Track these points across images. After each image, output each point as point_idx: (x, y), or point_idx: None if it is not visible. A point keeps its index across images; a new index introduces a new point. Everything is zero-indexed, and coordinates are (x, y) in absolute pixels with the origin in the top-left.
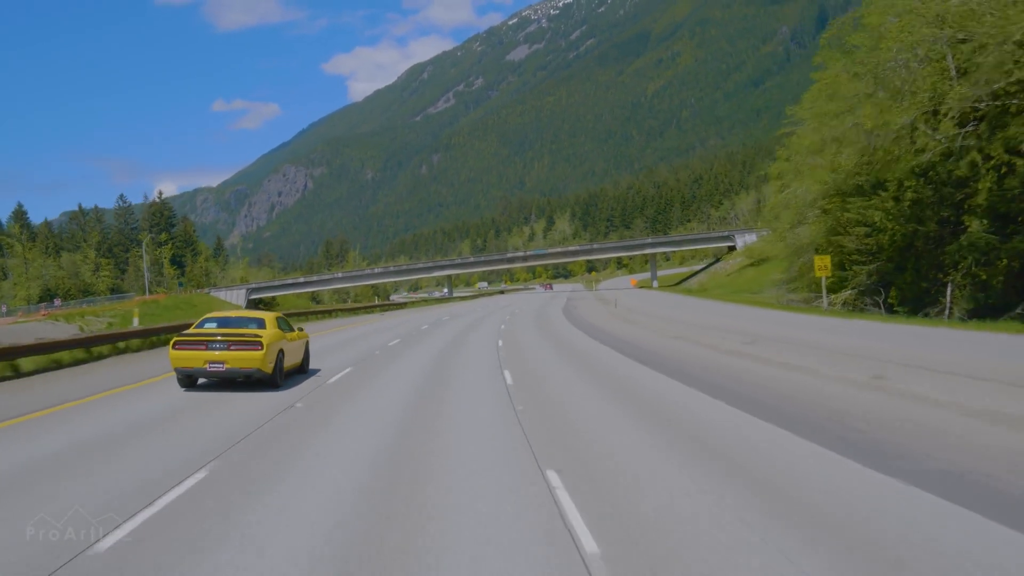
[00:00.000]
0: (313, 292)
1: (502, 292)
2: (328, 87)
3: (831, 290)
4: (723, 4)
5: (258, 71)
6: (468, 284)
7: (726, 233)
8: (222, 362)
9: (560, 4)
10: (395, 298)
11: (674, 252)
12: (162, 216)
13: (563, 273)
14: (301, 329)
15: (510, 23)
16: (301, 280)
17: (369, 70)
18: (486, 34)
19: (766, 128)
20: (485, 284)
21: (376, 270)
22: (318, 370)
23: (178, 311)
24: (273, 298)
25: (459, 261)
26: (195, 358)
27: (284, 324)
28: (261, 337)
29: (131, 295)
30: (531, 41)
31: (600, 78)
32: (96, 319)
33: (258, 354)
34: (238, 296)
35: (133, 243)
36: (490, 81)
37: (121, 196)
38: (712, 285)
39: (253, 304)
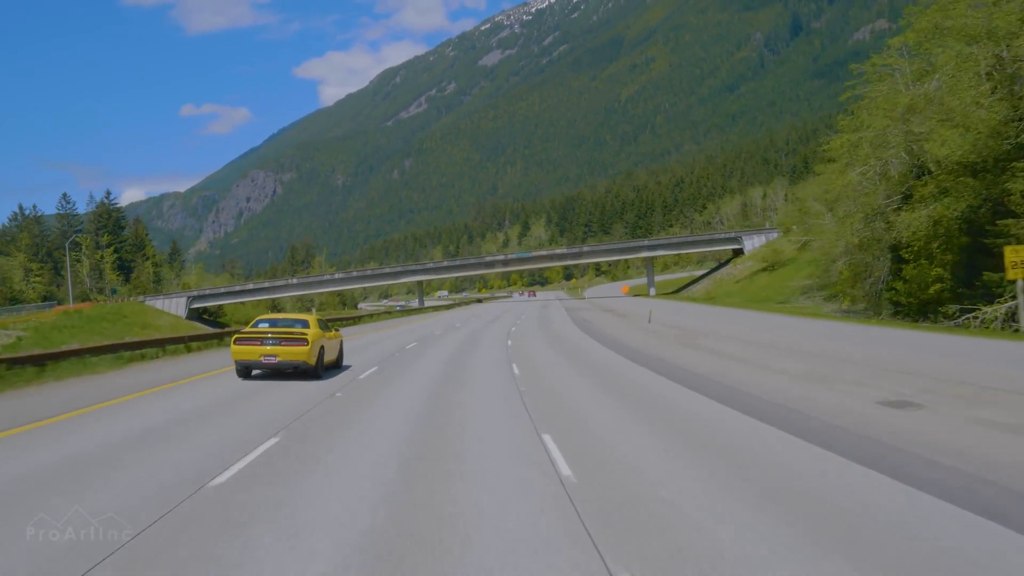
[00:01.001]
0: (271, 300)
1: (480, 301)
2: (299, 92)
3: (946, 299)
4: (697, 10)
5: (229, 75)
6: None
7: (732, 235)
8: (274, 355)
9: (533, 10)
10: (364, 307)
11: (671, 256)
12: (110, 219)
13: (539, 280)
14: (338, 330)
15: (483, 28)
16: (250, 287)
17: (341, 75)
18: (459, 39)
19: (742, 132)
20: (445, 293)
21: (337, 275)
22: (349, 366)
23: (103, 323)
24: (220, 307)
25: (431, 266)
26: (252, 352)
27: (323, 325)
28: (306, 335)
29: (65, 303)
30: (504, 46)
31: (573, 83)
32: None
33: (304, 349)
34: (177, 305)
35: (76, 247)
36: (463, 86)
37: (64, 196)
38: (720, 293)
39: (195, 315)
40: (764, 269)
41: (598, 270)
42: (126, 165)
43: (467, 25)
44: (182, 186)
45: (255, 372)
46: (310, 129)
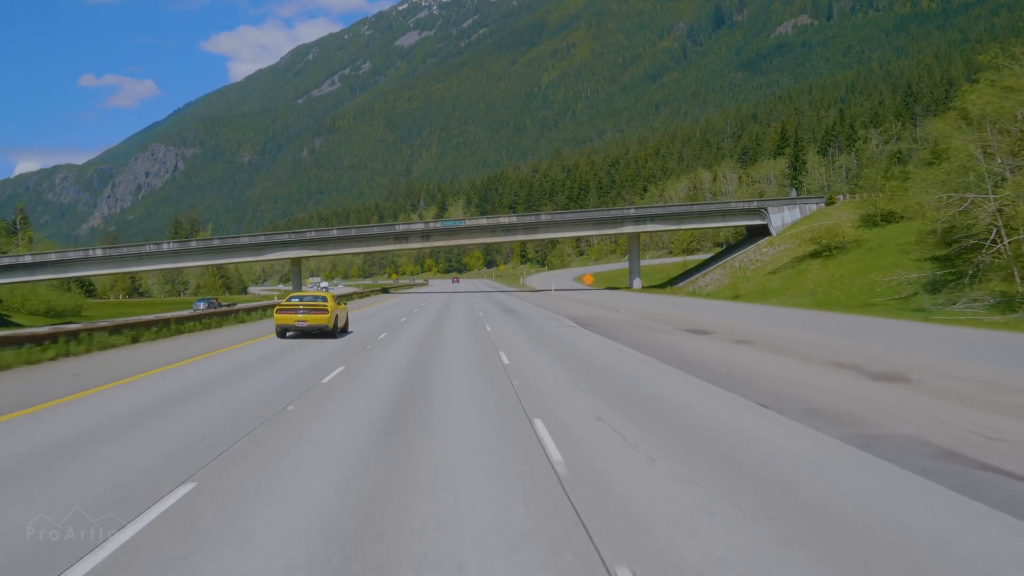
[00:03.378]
0: (74, 280)
1: (385, 291)
2: (208, 66)
3: None
4: None
5: (133, 47)
6: (347, 277)
7: (753, 205)
8: (304, 321)
9: None
10: (257, 291)
11: (652, 234)
12: None
13: (457, 267)
14: (345, 304)
15: (400, 8)
16: (28, 260)
17: (252, 51)
18: (375, 18)
19: (666, 121)
20: (319, 280)
21: (168, 245)
22: (352, 331)
23: None
24: None
25: (312, 236)
26: (289, 319)
27: (336, 300)
28: (326, 306)
29: None
30: (421, 27)
31: (493, 67)
32: None
33: (325, 316)
34: None
35: None
36: (378, 66)
37: None
38: (752, 289)
39: None
40: (813, 254)
41: (524, 256)
42: (21, 135)
43: (384, 6)
44: (80, 159)
45: (288, 334)
46: (218, 104)
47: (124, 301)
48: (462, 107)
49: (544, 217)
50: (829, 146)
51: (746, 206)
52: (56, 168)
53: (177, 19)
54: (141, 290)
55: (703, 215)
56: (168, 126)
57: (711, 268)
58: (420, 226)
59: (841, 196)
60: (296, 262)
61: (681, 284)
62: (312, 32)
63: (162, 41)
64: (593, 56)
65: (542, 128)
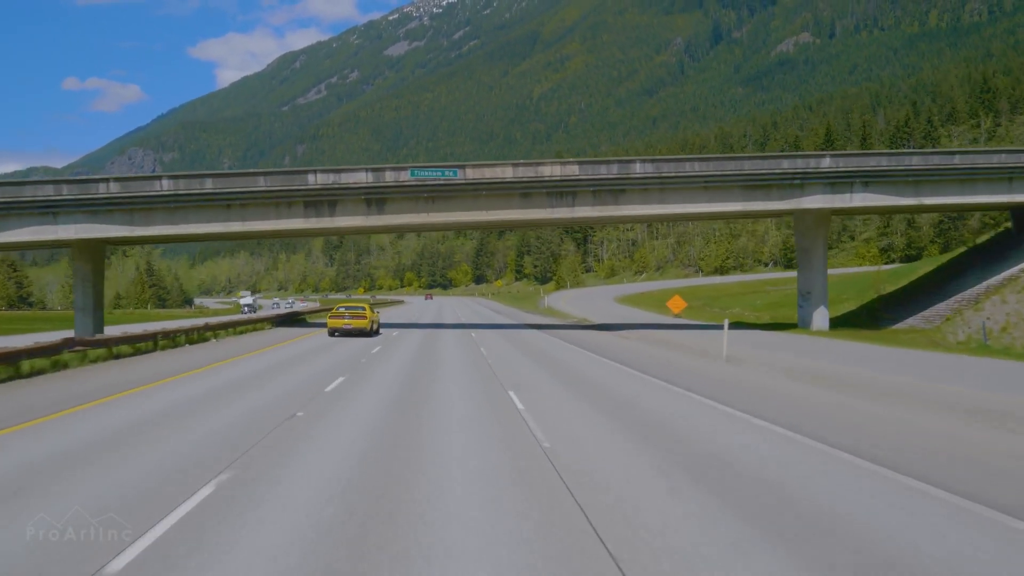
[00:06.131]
0: None
1: (296, 319)
2: (195, 73)
3: None
4: (615, 11)
5: (119, 51)
6: (318, 290)
7: None
8: (349, 324)
9: (444, 3)
10: (206, 303)
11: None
12: None
13: (441, 282)
14: (378, 312)
15: (390, 18)
16: None
17: (241, 58)
18: (365, 27)
19: (664, 136)
20: (248, 296)
21: None
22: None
23: None
24: None
25: (113, 192)
26: (339, 322)
27: (372, 308)
28: (365, 313)
29: None
30: (411, 38)
31: (483, 78)
32: None
33: (364, 321)
34: None
35: None
36: (366, 75)
37: None
38: None
39: None
40: None
41: (519, 272)
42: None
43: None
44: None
45: (336, 334)
46: (202, 110)
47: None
48: (451, 117)
49: (638, 168)
50: (904, 144)
51: None
52: (32, 169)
53: (165, 24)
54: (31, 299)
55: (970, 174)
56: (150, 130)
57: (996, 284)
58: (364, 179)
59: None
60: (86, 250)
61: (921, 319)
62: (302, 41)
63: (149, 46)
64: (588, 69)
65: (533, 141)
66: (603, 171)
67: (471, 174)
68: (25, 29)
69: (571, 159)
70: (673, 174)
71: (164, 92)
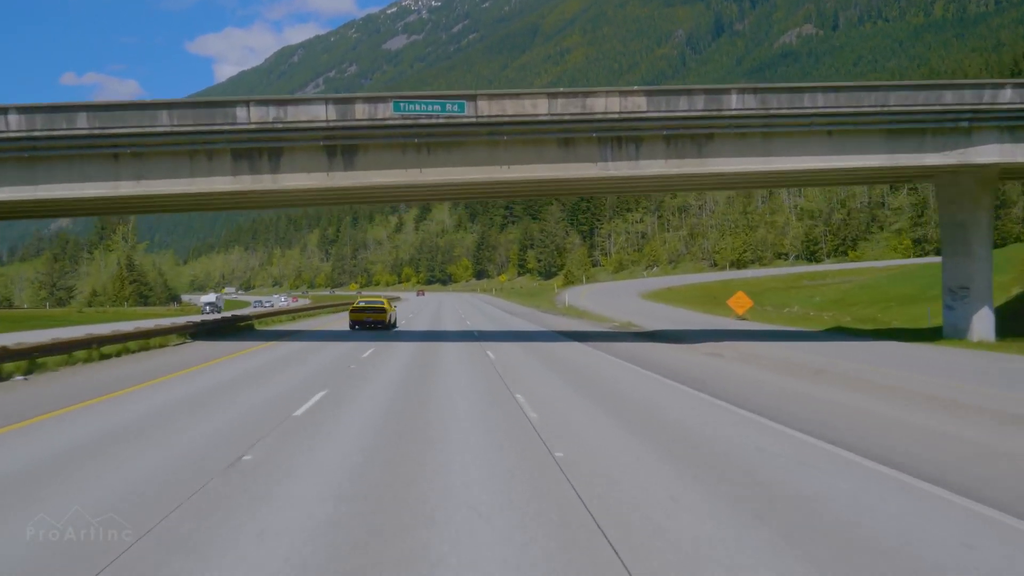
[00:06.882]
0: None
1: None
2: (193, 67)
3: None
4: (616, 3)
5: (116, 45)
6: (313, 286)
7: None
8: (369, 318)
9: None
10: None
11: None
12: None
13: (440, 278)
14: (395, 306)
15: (389, 12)
16: None
17: (239, 53)
18: (363, 21)
19: None
20: (212, 296)
21: None
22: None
23: None
24: None
25: (79, 135)
26: (360, 316)
27: (389, 302)
28: (384, 307)
29: None
30: (410, 31)
31: (483, 71)
32: None
33: (383, 315)
34: None
35: None
36: (364, 69)
37: None
38: None
39: None
40: None
41: (522, 266)
42: None
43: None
44: None
45: (356, 327)
46: None
47: None
48: None
49: (734, 100)
50: None
51: None
52: None
53: (163, 19)
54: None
55: None
56: None
57: None
58: (323, 114)
59: None
60: None
61: None
62: (300, 35)
63: (147, 40)
64: (588, 62)
65: None
66: (683, 105)
67: (485, 108)
68: (22, 24)
69: (635, 87)
70: (784, 110)
71: (162, 87)
